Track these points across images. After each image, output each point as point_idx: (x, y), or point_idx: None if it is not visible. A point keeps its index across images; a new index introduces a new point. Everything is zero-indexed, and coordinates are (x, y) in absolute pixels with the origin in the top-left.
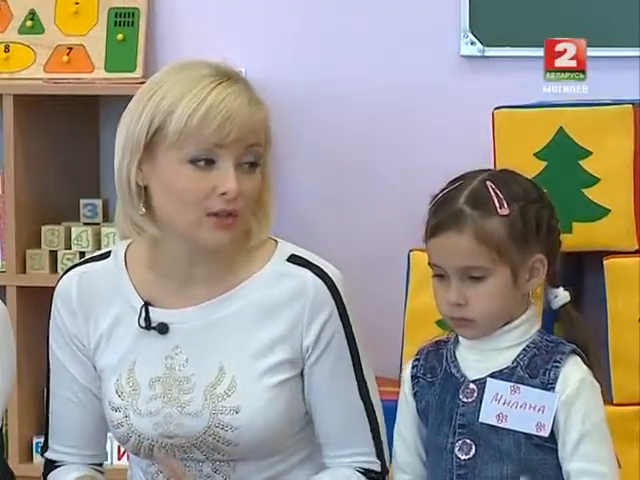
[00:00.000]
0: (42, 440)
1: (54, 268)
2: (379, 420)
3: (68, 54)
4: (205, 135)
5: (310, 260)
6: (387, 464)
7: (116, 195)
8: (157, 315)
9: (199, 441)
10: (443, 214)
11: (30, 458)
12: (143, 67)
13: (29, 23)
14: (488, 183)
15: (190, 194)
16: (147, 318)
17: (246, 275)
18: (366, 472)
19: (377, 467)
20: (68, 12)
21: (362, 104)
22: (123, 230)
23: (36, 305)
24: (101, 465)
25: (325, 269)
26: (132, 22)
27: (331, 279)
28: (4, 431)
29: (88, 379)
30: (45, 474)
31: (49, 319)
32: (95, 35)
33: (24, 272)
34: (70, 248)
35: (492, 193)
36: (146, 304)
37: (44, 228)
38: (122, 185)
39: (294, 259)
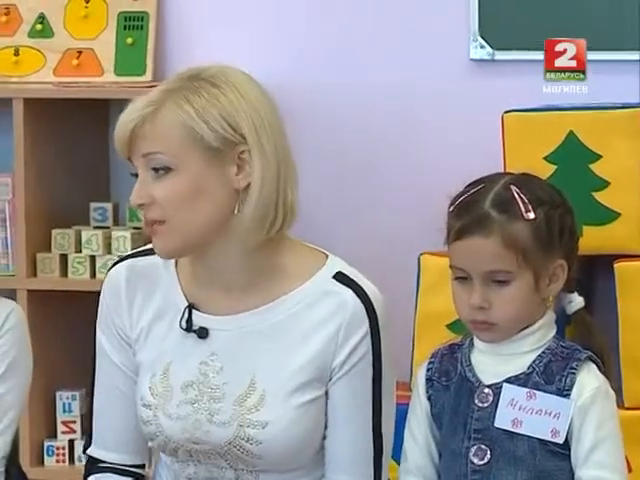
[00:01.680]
0: (53, 444)
1: (64, 272)
2: (385, 450)
3: (78, 58)
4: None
5: (354, 279)
6: None
7: (126, 199)
8: (199, 319)
9: (224, 450)
10: (468, 217)
11: (41, 462)
12: (152, 71)
13: (39, 27)
14: (512, 187)
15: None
16: (189, 320)
17: (290, 287)
18: None
19: None
20: (78, 16)
21: (371, 107)
22: None
23: (47, 308)
24: (143, 467)
25: (367, 290)
26: (141, 26)
27: (370, 301)
28: (17, 435)
29: (132, 370)
30: (87, 471)
31: (60, 321)
32: (105, 39)
33: (34, 276)
34: (80, 252)
35: (517, 197)
36: (190, 306)
37: (54, 232)
38: None
39: (340, 277)
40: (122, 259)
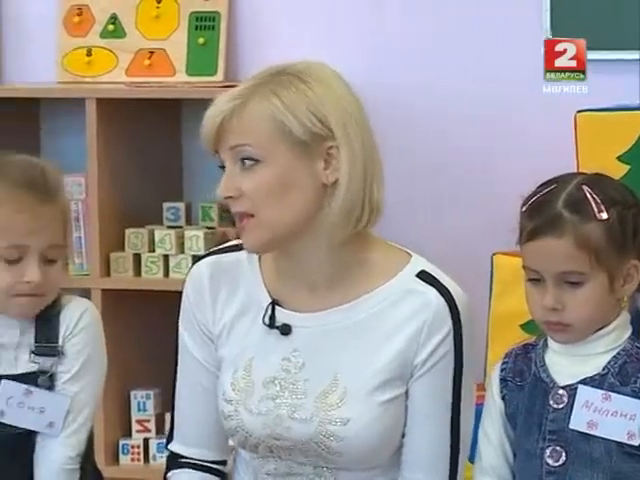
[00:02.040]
0: (128, 442)
1: (138, 271)
2: (462, 449)
3: (150, 58)
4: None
5: (438, 278)
6: None
7: (198, 199)
8: (282, 315)
9: (305, 447)
10: (540, 218)
11: (116, 460)
12: (224, 71)
13: (111, 27)
14: (584, 187)
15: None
16: (272, 317)
17: (374, 285)
18: None
19: None
20: (149, 16)
21: (444, 107)
22: None
23: (120, 308)
24: (224, 463)
25: (450, 289)
26: (213, 26)
27: (454, 300)
28: (92, 433)
29: (214, 365)
30: (167, 467)
31: (134, 321)
32: (176, 39)
33: (108, 275)
34: (154, 251)
35: (590, 197)
36: (274, 302)
37: (128, 231)
38: None
39: (424, 276)
40: (205, 255)
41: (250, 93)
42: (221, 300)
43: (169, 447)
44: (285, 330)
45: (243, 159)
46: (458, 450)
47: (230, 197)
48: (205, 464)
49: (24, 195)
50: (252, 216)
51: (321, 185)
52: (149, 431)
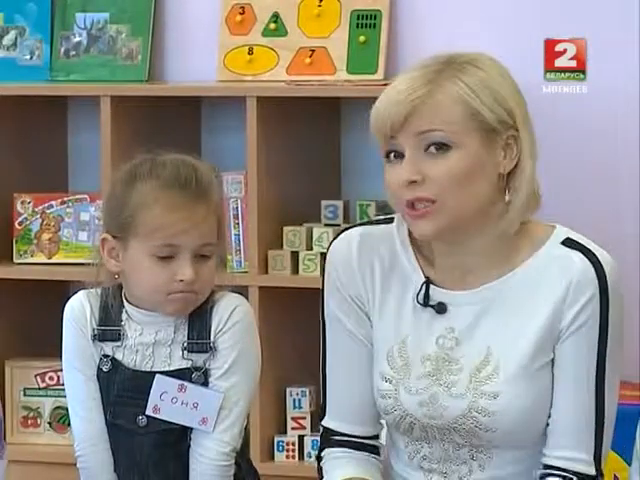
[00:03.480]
0: (283, 439)
1: (295, 269)
2: (607, 423)
3: (310, 56)
4: (378, 134)
5: (583, 244)
6: (603, 469)
7: (357, 197)
8: (436, 294)
9: (458, 424)
10: None
11: (272, 457)
12: (384, 69)
13: (272, 26)
14: None
15: (388, 185)
16: (427, 295)
17: (521, 260)
18: (581, 477)
19: (592, 471)
20: (311, 14)
21: (600, 106)
22: None
23: (278, 305)
24: (377, 438)
25: (597, 253)
26: (374, 24)
27: (601, 264)
28: (247, 430)
29: (368, 338)
30: (321, 444)
31: (290, 318)
32: (337, 37)
33: (266, 272)
34: (311, 249)
35: None
36: (428, 281)
37: (286, 229)
38: None
39: (568, 242)
40: (348, 228)
41: (434, 79)
42: (369, 273)
43: (322, 423)
44: (441, 309)
45: (430, 144)
46: (603, 423)
47: (414, 182)
48: (359, 440)
49: (177, 194)
50: (433, 202)
51: (497, 175)
52: (304, 428)
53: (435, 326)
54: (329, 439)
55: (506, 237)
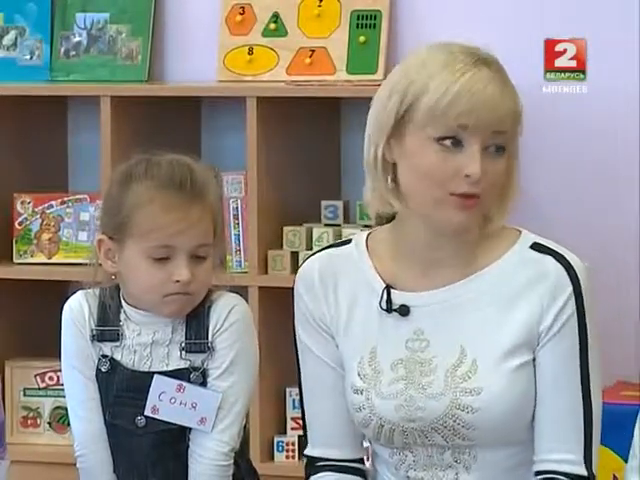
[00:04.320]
0: (283, 439)
1: (295, 269)
2: (595, 423)
3: (310, 56)
4: (452, 119)
5: (553, 248)
6: (594, 471)
7: (357, 197)
8: (398, 298)
9: (439, 424)
10: None
11: (271, 457)
12: (384, 69)
13: (272, 26)
14: None
15: (435, 173)
16: (389, 300)
17: (488, 261)
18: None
19: (584, 472)
20: (311, 15)
21: (600, 106)
22: (370, 204)
23: (277, 305)
24: (362, 461)
25: (567, 256)
26: (374, 24)
27: (572, 266)
28: (246, 430)
29: (335, 360)
30: (307, 473)
31: (291, 319)
32: (337, 37)
33: (266, 273)
34: (311, 249)
35: None
36: (388, 287)
37: (285, 229)
38: (370, 159)
39: (537, 247)
40: (312, 254)
41: (504, 81)
42: (334, 293)
43: (305, 452)
44: (403, 311)
45: (493, 145)
46: (591, 421)
47: (480, 178)
48: (343, 464)
49: (172, 195)
50: (478, 198)
51: None
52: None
53: (402, 330)
54: (314, 466)
55: (477, 237)
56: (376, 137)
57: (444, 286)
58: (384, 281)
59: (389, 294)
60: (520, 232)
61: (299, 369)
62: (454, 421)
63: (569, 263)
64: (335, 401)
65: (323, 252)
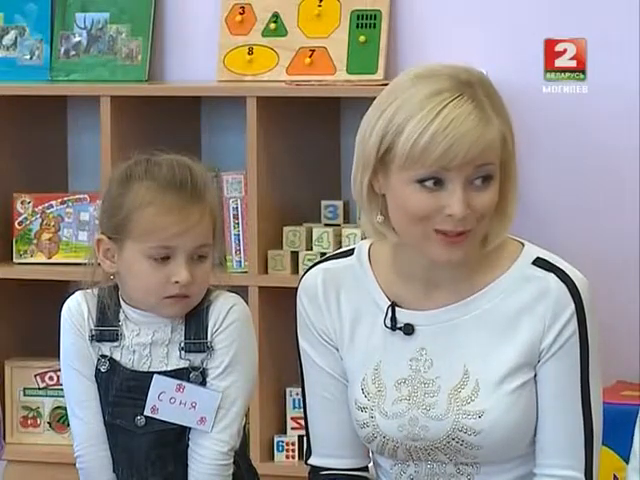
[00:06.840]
0: (283, 439)
1: (295, 269)
2: (596, 438)
3: (310, 56)
4: (430, 160)
5: (555, 264)
6: None
7: None
8: (403, 316)
9: (442, 444)
10: None
11: (271, 457)
12: (384, 69)
13: (272, 26)
14: None
15: (417, 212)
16: (393, 318)
17: (491, 278)
18: None
19: None
20: (311, 15)
21: (600, 106)
22: (366, 231)
23: (277, 305)
24: (366, 469)
25: (569, 273)
26: (374, 24)
27: (574, 283)
28: (246, 430)
29: (339, 372)
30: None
31: (290, 318)
32: (337, 37)
33: (266, 272)
34: (311, 249)
35: None
36: (393, 304)
37: (285, 229)
38: (356, 192)
39: (540, 262)
40: (315, 264)
41: (484, 108)
42: (338, 306)
43: (308, 462)
44: (408, 330)
45: (479, 177)
46: (592, 437)
47: (466, 216)
48: (346, 472)
49: (172, 196)
50: (469, 231)
51: None
52: (304, 428)
53: (406, 348)
54: (317, 475)
55: (479, 253)
56: (361, 171)
57: (445, 306)
58: (389, 298)
59: (394, 312)
60: (523, 245)
61: (302, 379)
62: (457, 442)
63: (571, 280)
64: (339, 413)
65: (326, 263)
